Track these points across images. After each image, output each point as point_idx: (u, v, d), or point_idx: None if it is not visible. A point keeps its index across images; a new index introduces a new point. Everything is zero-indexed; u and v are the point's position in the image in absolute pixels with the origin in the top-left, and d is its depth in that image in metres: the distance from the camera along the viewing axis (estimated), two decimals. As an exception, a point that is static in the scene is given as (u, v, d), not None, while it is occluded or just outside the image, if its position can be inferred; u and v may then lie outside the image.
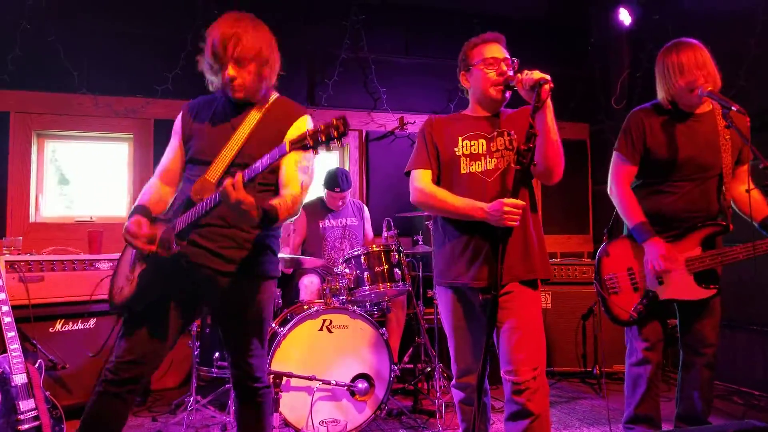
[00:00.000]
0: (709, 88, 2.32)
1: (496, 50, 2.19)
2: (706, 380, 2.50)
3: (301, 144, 1.67)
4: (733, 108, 2.20)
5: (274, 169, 1.95)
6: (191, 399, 3.29)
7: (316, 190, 4.11)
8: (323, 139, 1.66)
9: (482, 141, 2.19)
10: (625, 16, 4.69)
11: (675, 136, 2.44)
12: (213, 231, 1.96)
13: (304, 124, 2.03)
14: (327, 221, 4.09)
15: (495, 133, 2.19)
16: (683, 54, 2.37)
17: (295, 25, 4.75)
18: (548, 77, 1.93)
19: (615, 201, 2.57)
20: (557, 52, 5.32)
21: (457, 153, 2.20)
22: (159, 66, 4.35)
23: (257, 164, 1.74)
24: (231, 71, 1.93)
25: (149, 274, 1.94)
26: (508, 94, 2.19)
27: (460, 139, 2.21)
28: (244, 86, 1.97)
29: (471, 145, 2.19)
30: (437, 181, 2.24)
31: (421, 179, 2.23)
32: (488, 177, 2.15)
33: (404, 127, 4.92)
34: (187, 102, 2.17)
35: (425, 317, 3.75)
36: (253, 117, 2.02)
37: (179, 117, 2.15)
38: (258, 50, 1.95)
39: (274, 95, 2.12)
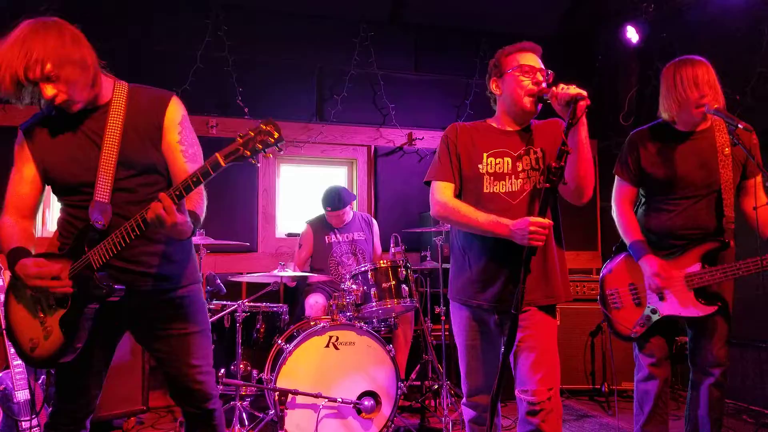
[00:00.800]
0: (716, 106, 2.33)
1: (533, 59, 2.15)
2: (715, 400, 2.47)
3: (236, 157, 1.58)
4: (739, 125, 2.21)
5: (150, 168, 1.84)
6: (197, 415, 3.28)
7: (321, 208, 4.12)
8: (260, 147, 1.58)
9: (508, 159, 2.11)
10: (632, 34, 4.71)
11: (671, 157, 2.48)
12: (138, 252, 1.82)
13: (178, 109, 1.88)
14: (333, 236, 4.10)
15: (522, 151, 2.12)
16: (698, 69, 2.37)
17: (304, 42, 4.81)
18: (585, 93, 1.86)
19: (615, 220, 2.62)
20: (565, 69, 5.26)
21: (481, 170, 2.12)
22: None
23: (182, 183, 1.63)
24: (49, 91, 1.67)
25: (73, 317, 1.75)
26: (539, 107, 2.10)
27: (485, 155, 2.13)
28: (73, 98, 1.73)
29: (496, 163, 2.11)
30: (458, 195, 2.17)
31: (444, 192, 2.14)
32: (513, 199, 2.09)
33: (413, 143, 4.94)
34: (24, 123, 1.88)
35: (433, 334, 3.73)
36: (114, 118, 1.80)
37: (20, 141, 1.86)
38: (60, 57, 1.66)
39: (119, 84, 1.87)
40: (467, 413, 2.31)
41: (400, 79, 5.06)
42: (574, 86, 1.89)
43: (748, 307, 3.82)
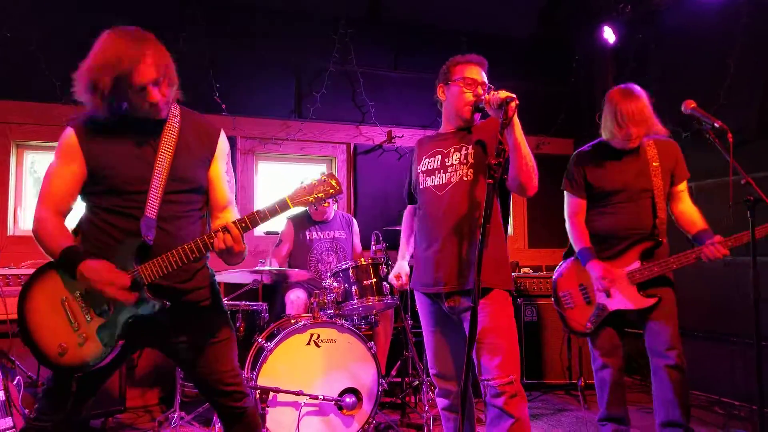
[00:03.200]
0: (692, 106, 2.47)
1: (476, 73, 2.30)
2: (677, 383, 2.62)
3: (302, 202, 1.83)
4: (715, 125, 2.30)
5: (196, 188, 1.94)
6: (176, 415, 3.24)
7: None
8: (322, 196, 1.83)
9: (438, 157, 2.33)
10: (609, 35, 4.79)
11: (611, 170, 2.78)
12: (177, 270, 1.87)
13: (226, 142, 2.05)
14: (314, 233, 4.08)
15: (453, 149, 2.30)
16: (633, 104, 2.62)
17: (283, 38, 4.77)
18: (514, 95, 1.98)
19: (568, 231, 2.90)
20: (543, 69, 5.40)
21: (418, 170, 2.39)
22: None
23: (250, 217, 1.79)
24: (156, 95, 1.79)
25: (113, 327, 1.79)
26: (477, 116, 2.30)
27: (423, 158, 2.39)
28: (162, 105, 1.85)
29: (429, 162, 2.36)
30: (414, 198, 2.49)
31: (406, 212, 2.64)
32: (439, 191, 2.30)
33: (392, 140, 4.95)
34: (72, 121, 1.90)
35: (413, 330, 3.75)
36: (169, 136, 1.89)
37: (71, 138, 1.86)
38: (167, 66, 1.82)
39: (174, 106, 1.98)
40: (440, 402, 2.42)
41: (380, 77, 5.06)
42: (503, 90, 2.03)
43: (720, 304, 3.93)
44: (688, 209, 2.78)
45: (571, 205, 2.89)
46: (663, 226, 2.72)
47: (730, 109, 3.80)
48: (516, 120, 2.03)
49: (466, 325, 2.19)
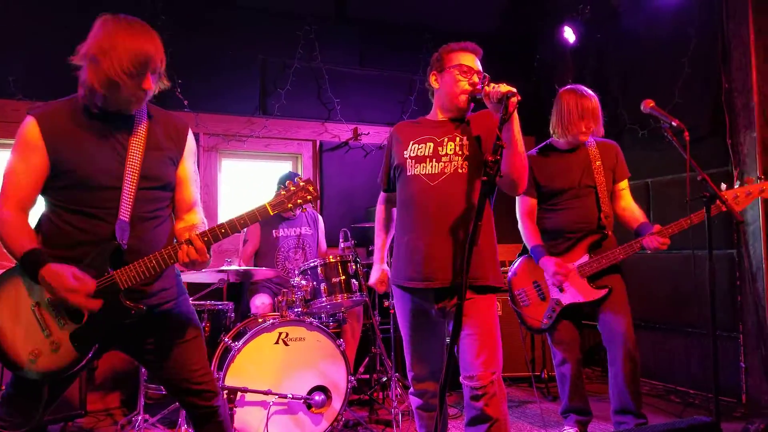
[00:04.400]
0: (651, 105, 2.53)
1: (472, 60, 2.24)
2: (629, 372, 2.72)
3: (282, 208, 1.84)
4: (673, 123, 2.38)
5: (166, 186, 1.89)
6: (139, 418, 3.17)
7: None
8: (300, 202, 1.85)
9: (431, 144, 2.23)
10: (569, 34, 4.89)
11: (558, 169, 2.90)
12: None
13: (193, 139, 2.01)
14: (281, 230, 4.05)
15: (447, 138, 2.22)
16: (586, 101, 2.78)
17: (247, 33, 4.70)
18: (515, 90, 1.93)
19: (520, 229, 2.99)
20: (506, 66, 5.43)
21: (405, 156, 2.26)
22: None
23: (231, 223, 1.80)
24: (152, 84, 1.75)
25: (87, 333, 1.74)
26: (471, 106, 2.22)
27: (411, 143, 2.27)
28: (145, 100, 1.81)
29: (419, 148, 2.24)
30: (393, 185, 2.39)
31: (380, 201, 2.50)
32: (431, 180, 2.19)
33: (358, 138, 4.94)
34: (32, 110, 1.77)
35: (381, 327, 3.76)
36: (140, 133, 1.83)
37: (32, 129, 1.74)
38: (163, 61, 1.77)
39: None
40: (414, 401, 2.36)
41: (346, 74, 5.03)
42: (504, 84, 1.96)
43: (676, 295, 4.08)
44: (629, 206, 2.90)
45: (522, 204, 2.98)
46: (608, 219, 2.84)
47: (685, 106, 3.93)
48: (515, 116, 1.98)
49: (451, 321, 2.10)
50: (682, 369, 4.06)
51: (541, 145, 3.03)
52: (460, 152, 2.18)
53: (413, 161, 2.23)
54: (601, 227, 2.83)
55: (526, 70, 5.48)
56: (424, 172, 2.20)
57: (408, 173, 2.24)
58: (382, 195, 2.52)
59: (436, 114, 2.33)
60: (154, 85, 1.77)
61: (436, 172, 2.18)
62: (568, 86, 2.92)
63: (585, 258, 2.82)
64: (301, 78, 4.82)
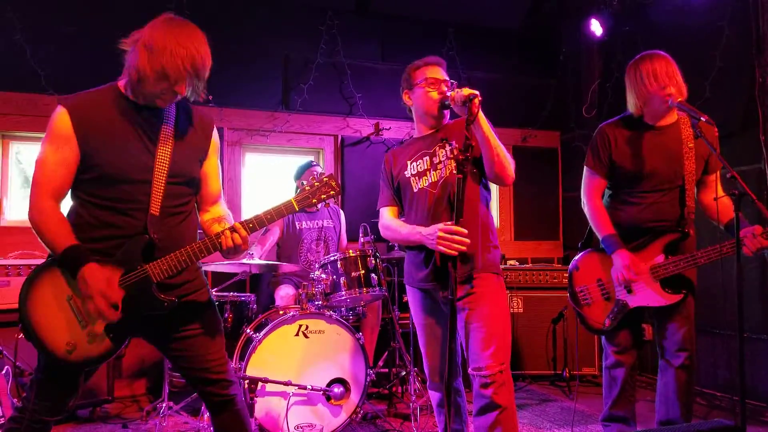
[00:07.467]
0: (680, 99, 2.44)
1: (437, 72, 2.36)
2: (683, 384, 2.55)
3: (307, 203, 1.93)
4: (702, 119, 2.30)
5: (192, 181, 1.93)
6: (164, 405, 3.24)
7: (290, 188, 4.07)
8: (324, 197, 1.94)
9: (426, 158, 2.35)
10: (596, 27, 4.80)
11: (640, 150, 2.56)
12: None
13: (216, 133, 2.03)
14: (304, 222, 4.09)
15: (436, 148, 2.33)
16: (657, 63, 2.49)
17: (270, 29, 4.73)
18: (477, 92, 2.04)
19: (587, 214, 2.68)
20: (530, 61, 5.42)
21: (407, 175, 2.38)
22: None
23: (256, 219, 1.87)
24: (183, 90, 1.76)
25: (122, 324, 1.79)
26: (446, 113, 2.35)
27: (408, 162, 2.39)
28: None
29: (417, 165, 2.36)
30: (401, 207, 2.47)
31: (385, 216, 2.47)
32: (434, 189, 2.31)
33: (380, 132, 4.94)
34: (64, 100, 1.78)
35: (400, 322, 3.77)
36: (167, 126, 1.85)
37: (63, 119, 1.74)
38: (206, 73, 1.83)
39: None
40: (434, 397, 2.43)
41: (367, 69, 5.03)
42: (466, 88, 2.09)
43: (704, 295, 3.98)
44: (719, 196, 2.50)
45: (590, 184, 2.67)
46: (691, 216, 2.53)
47: (716, 101, 3.84)
48: (481, 115, 2.07)
49: (461, 315, 2.21)
50: (708, 371, 3.98)
51: (624, 114, 2.64)
52: (451, 155, 2.27)
53: (417, 178, 2.36)
54: (682, 224, 2.52)
55: (550, 65, 5.40)
56: (427, 184, 2.32)
57: (414, 190, 2.36)
58: (384, 210, 2.48)
59: (420, 130, 2.44)
60: (188, 92, 1.79)
61: (436, 179, 2.30)
62: (640, 54, 2.59)
63: (660, 259, 2.52)
64: (323, 73, 4.84)
